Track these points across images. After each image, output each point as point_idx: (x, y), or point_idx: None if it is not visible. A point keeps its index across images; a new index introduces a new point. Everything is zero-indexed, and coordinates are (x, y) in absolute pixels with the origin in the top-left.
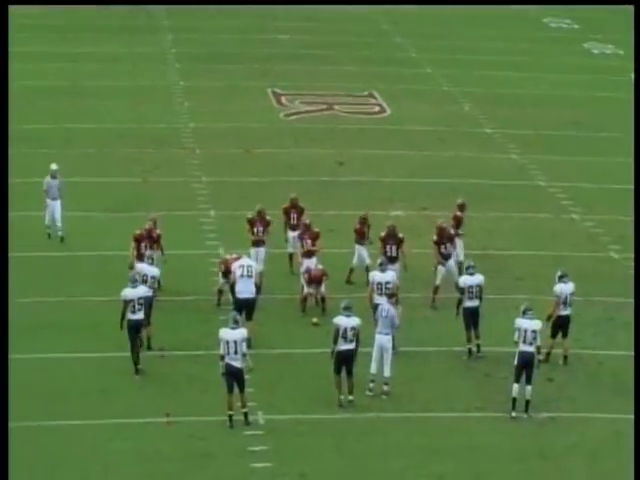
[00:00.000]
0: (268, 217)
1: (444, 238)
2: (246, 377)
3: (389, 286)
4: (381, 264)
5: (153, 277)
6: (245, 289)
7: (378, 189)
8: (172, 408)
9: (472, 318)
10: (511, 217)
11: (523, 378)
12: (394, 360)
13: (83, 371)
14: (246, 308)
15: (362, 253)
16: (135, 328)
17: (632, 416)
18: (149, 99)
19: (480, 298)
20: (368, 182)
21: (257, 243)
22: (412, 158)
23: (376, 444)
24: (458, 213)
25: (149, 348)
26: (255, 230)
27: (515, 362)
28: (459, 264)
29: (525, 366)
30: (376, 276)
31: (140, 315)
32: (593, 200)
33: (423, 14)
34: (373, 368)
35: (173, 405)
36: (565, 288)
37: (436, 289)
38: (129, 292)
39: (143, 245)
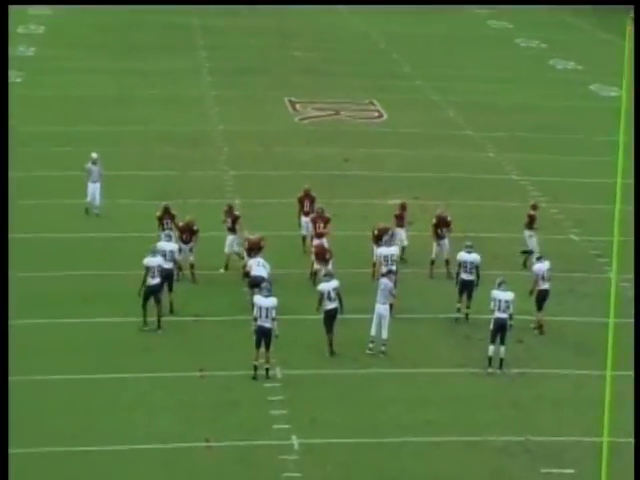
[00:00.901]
0: (236, 212)
1: (441, 223)
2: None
3: (394, 258)
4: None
5: (171, 251)
6: (259, 272)
7: (377, 182)
8: (205, 364)
9: (465, 288)
10: (488, 205)
11: (498, 340)
12: (391, 324)
13: (129, 333)
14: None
15: (401, 234)
16: (152, 292)
17: (588, 371)
18: (186, 106)
19: (476, 274)
20: (368, 176)
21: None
22: (405, 156)
23: (374, 395)
24: (398, 212)
25: (171, 311)
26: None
27: (491, 327)
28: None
29: (499, 330)
30: (382, 250)
31: (157, 280)
32: (557, 191)
33: (415, 34)
34: (373, 331)
35: (205, 361)
36: (541, 266)
37: (432, 262)
38: (149, 260)
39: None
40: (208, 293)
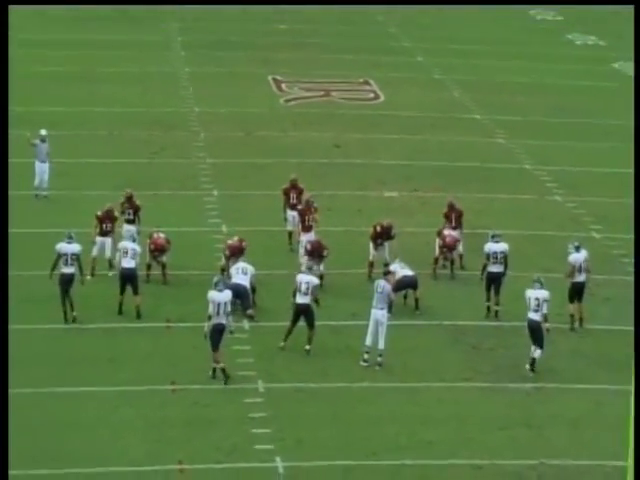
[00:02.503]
0: (138, 202)
1: (451, 211)
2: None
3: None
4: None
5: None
6: (239, 280)
7: (373, 171)
8: (177, 376)
9: (493, 282)
10: (498, 198)
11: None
12: (388, 330)
13: (92, 341)
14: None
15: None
16: (66, 281)
17: (610, 386)
18: (156, 85)
19: (504, 265)
20: (363, 164)
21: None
22: (405, 142)
23: (370, 412)
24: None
25: (138, 317)
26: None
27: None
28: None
29: (531, 330)
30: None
31: (71, 269)
32: (576, 183)
33: (415, 4)
34: (368, 341)
35: (178, 374)
36: (579, 257)
37: (436, 260)
38: (63, 246)
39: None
40: (181, 296)
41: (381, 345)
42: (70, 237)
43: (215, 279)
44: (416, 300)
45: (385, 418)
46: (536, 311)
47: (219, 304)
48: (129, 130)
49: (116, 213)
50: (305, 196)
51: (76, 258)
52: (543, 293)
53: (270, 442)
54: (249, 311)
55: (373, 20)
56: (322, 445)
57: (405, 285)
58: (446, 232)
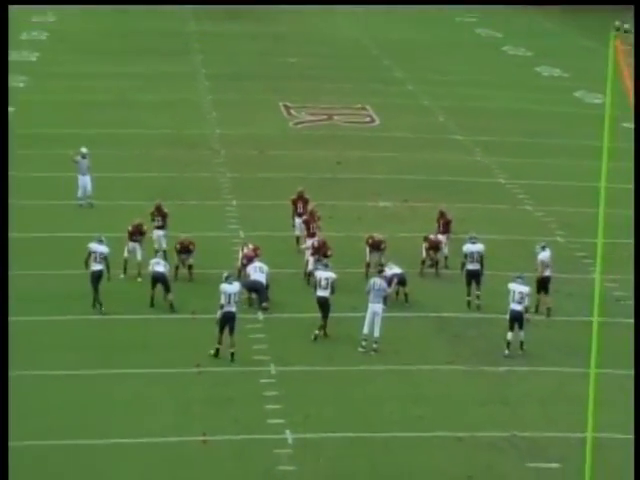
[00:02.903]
0: (165, 210)
1: (441, 218)
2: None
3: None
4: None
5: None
6: (257, 277)
7: (369, 184)
8: (201, 360)
9: (472, 278)
10: (477, 208)
11: (516, 328)
12: (383, 320)
13: (127, 330)
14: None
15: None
16: (95, 277)
17: (573, 369)
18: (183, 110)
19: (481, 263)
20: (361, 178)
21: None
22: (397, 159)
23: (367, 391)
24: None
25: (171, 310)
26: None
27: (507, 316)
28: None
29: (514, 320)
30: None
31: (99, 267)
32: (543, 195)
33: (406, 40)
34: (365, 330)
35: (202, 358)
36: (545, 255)
37: (423, 262)
38: (94, 246)
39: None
40: (204, 291)
41: (377, 333)
42: (100, 240)
43: (225, 274)
44: (405, 295)
45: (381, 397)
46: (519, 303)
47: (230, 295)
48: (159, 149)
49: (145, 227)
50: (310, 206)
51: (104, 257)
52: (525, 288)
53: (281, 417)
54: (264, 304)
55: (369, 54)
56: (326, 420)
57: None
58: (431, 236)
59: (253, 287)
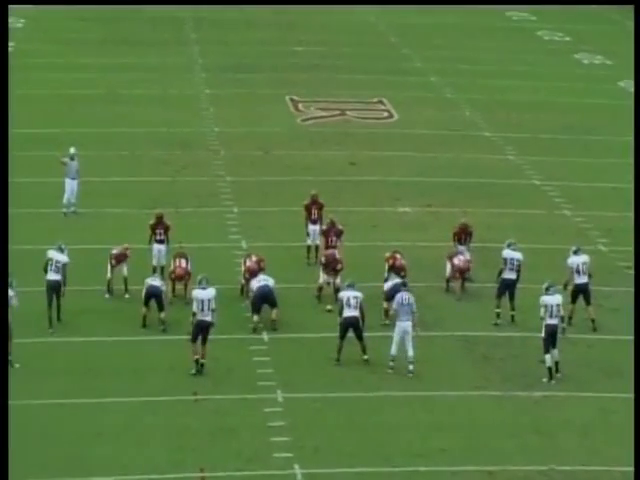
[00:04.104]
0: (168, 222)
1: (462, 232)
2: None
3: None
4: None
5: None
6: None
7: (387, 188)
8: (199, 387)
9: (507, 288)
10: (508, 213)
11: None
12: (415, 341)
13: (116, 353)
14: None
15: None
16: (50, 287)
17: (618, 394)
18: (178, 106)
19: (518, 273)
20: (377, 181)
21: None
22: (417, 159)
23: (384, 420)
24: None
25: (164, 330)
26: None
27: (542, 335)
28: None
29: (552, 337)
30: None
31: (56, 276)
32: (583, 197)
33: (427, 26)
34: (393, 350)
35: (200, 384)
36: (576, 259)
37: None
38: (52, 253)
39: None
40: None
41: (410, 352)
42: (61, 248)
43: (199, 277)
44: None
45: (399, 426)
46: (556, 316)
47: (203, 301)
48: (151, 150)
49: (128, 252)
50: (324, 212)
51: (62, 266)
52: (560, 298)
53: (289, 450)
54: (275, 310)
55: (386, 42)
56: (339, 452)
57: (396, 291)
58: (456, 260)
59: (263, 299)
